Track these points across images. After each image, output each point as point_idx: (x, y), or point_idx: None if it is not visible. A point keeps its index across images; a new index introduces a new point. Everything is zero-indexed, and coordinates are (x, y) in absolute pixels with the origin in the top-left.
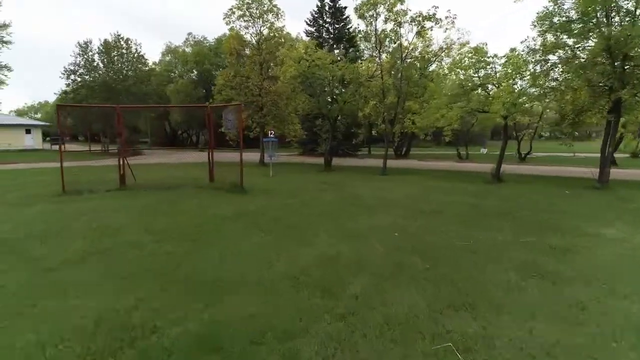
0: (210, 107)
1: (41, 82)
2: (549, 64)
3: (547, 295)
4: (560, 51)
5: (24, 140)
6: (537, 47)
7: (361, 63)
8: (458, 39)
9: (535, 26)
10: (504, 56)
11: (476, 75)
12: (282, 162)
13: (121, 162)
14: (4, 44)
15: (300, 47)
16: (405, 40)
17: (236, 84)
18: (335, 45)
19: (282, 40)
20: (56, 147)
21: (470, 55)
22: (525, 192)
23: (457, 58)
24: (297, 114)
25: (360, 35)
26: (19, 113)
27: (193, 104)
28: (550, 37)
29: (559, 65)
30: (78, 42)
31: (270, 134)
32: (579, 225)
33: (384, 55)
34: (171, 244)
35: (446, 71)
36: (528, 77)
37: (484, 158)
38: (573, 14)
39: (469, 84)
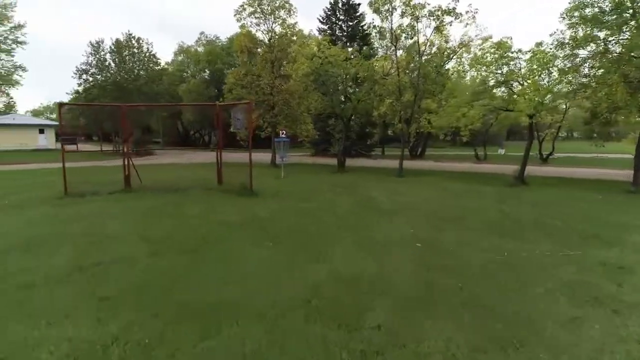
0: (219, 106)
1: (57, 82)
2: (578, 59)
3: (610, 328)
4: (593, 44)
5: (38, 140)
6: (567, 40)
7: (377, 60)
8: (476, 35)
9: (564, 18)
10: (529, 51)
11: (499, 71)
12: (293, 162)
13: (126, 163)
14: (18, 45)
15: (313, 44)
16: (423, 35)
17: (247, 82)
18: (348, 43)
19: (295, 37)
20: (69, 147)
21: (492, 50)
22: (553, 197)
23: (479, 53)
24: (310, 113)
25: (375, 31)
26: (35, 113)
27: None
28: (581, 30)
29: (589, 60)
30: (90, 42)
31: (282, 134)
32: (622, 236)
33: (399, 52)
34: (168, 257)
35: (467, 67)
36: (555, 73)
37: (502, 159)
38: (607, 5)
39: (492, 81)
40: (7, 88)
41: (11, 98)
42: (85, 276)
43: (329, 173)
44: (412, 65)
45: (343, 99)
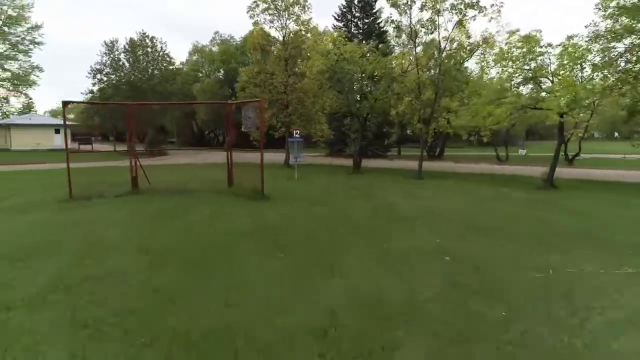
0: (231, 104)
1: (76, 83)
2: (615, 52)
3: None
4: (634, 36)
5: (54, 140)
6: (602, 32)
7: (395, 57)
8: (497, 31)
9: (599, 9)
10: (559, 45)
11: (527, 67)
12: (308, 163)
13: (133, 164)
14: (36, 45)
15: (329, 39)
16: (445, 30)
17: (260, 80)
18: (364, 41)
19: (309, 34)
20: (84, 146)
21: (520, 44)
22: (591, 203)
23: (505, 48)
24: (324, 112)
25: (392, 26)
26: (53, 113)
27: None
28: (619, 22)
29: (626, 54)
30: (104, 41)
31: (296, 133)
32: None
33: (419, 48)
34: (166, 272)
35: (491, 63)
36: (589, 68)
37: (524, 160)
38: None
39: (519, 77)
40: (24, 88)
41: (30, 99)
42: (69, 296)
43: (344, 174)
44: (432, 61)
45: (359, 98)
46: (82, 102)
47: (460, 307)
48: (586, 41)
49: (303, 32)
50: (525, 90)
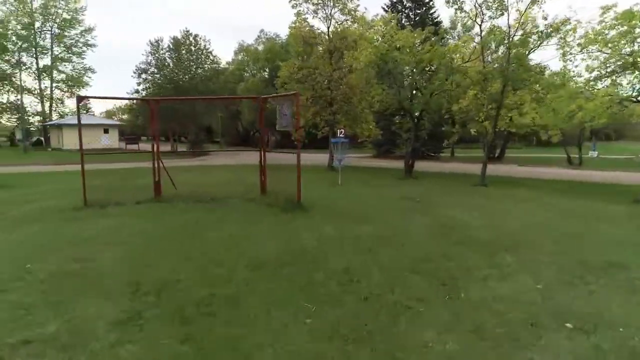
0: (263, 99)
1: (124, 83)
2: None
3: None
4: None
5: (101, 140)
6: None
7: (455, 45)
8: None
9: None
10: None
11: (626, 50)
12: (353, 165)
13: (156, 166)
14: (88, 47)
15: (379, 24)
16: (516, 11)
17: (302, 76)
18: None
19: (356, 24)
20: (131, 146)
21: (618, 22)
22: None
23: (598, 28)
24: (372, 110)
25: (455, 7)
26: (109, 114)
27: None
28: None
29: None
30: (149, 40)
31: (340, 133)
32: None
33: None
34: (142, 336)
35: (576, 48)
36: None
37: (599, 164)
38: None
39: (618, 62)
40: (77, 90)
41: (89, 101)
42: None
43: (395, 179)
44: (501, 48)
45: (412, 93)
46: (97, 97)
47: None
48: None
49: (350, 22)
50: (624, 80)
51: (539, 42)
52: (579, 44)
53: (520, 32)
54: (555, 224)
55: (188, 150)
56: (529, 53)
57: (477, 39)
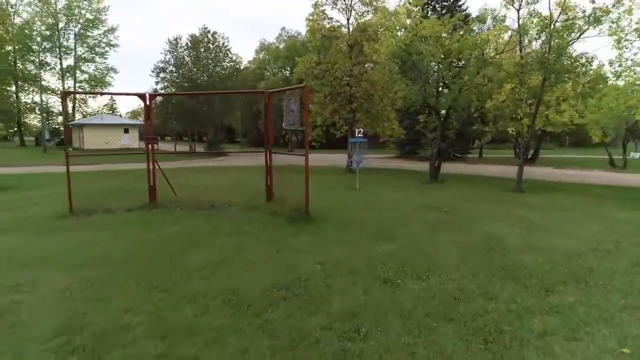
0: (269, 94)
1: (145, 82)
2: None
3: None
4: None
5: (122, 140)
6: None
7: (487, 33)
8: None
9: None
10: None
11: None
12: (373, 167)
13: (151, 168)
14: (111, 47)
15: (402, 12)
16: None
17: (320, 71)
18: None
19: (378, 14)
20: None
21: None
22: None
23: None
24: (395, 107)
25: None
26: (134, 114)
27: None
28: None
29: None
30: (167, 39)
31: (358, 132)
32: None
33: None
34: None
35: (633, 34)
36: None
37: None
38: None
39: None
40: (100, 89)
41: (114, 101)
42: None
43: (419, 184)
44: (542, 35)
45: (438, 88)
46: (83, 92)
47: None
48: None
49: (371, 14)
50: None
51: (585, 27)
52: (636, 29)
53: (563, 17)
54: (619, 244)
55: (205, 150)
56: (573, 42)
57: (514, 25)
